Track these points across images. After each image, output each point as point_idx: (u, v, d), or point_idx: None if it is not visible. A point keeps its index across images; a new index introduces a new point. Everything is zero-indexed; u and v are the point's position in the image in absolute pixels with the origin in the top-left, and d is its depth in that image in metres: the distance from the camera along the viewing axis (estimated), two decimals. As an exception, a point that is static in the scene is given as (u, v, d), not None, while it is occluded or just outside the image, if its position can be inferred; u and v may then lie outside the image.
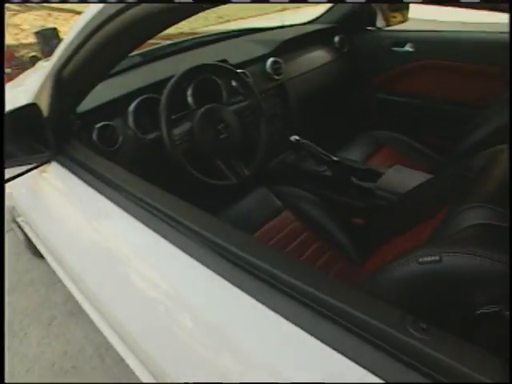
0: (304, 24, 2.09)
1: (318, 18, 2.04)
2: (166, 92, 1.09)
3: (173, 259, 0.64)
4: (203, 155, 1.17)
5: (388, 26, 1.96)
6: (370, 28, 1.95)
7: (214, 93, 1.35)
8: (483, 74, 1.64)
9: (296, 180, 1.52)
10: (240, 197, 1.35)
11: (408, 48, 1.81)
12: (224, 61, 1.40)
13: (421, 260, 0.58)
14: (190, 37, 1.75)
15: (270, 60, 1.57)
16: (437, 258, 0.56)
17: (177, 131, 1.12)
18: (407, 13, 1.92)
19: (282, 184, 1.50)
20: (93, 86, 0.88)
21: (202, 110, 1.15)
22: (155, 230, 0.67)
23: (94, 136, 1.09)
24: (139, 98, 1.18)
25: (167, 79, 1.25)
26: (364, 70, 1.99)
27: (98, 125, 1.10)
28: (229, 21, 8.23)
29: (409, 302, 0.61)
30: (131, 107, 1.17)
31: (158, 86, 1.23)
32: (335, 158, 1.33)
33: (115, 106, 1.16)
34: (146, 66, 1.43)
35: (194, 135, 1.13)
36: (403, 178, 1.29)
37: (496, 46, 1.61)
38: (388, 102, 1.99)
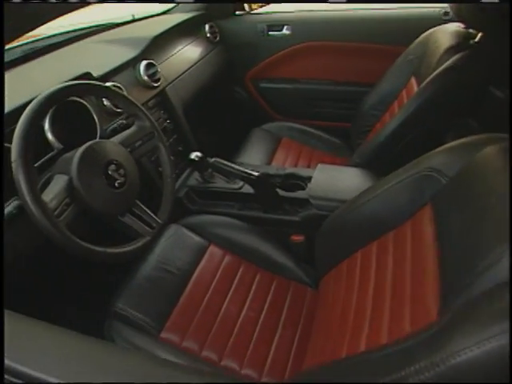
0: (160, 14, 1.78)
1: (175, 7, 1.75)
2: (17, 138, 0.70)
3: None
4: (99, 217, 0.82)
5: (251, 9, 1.80)
6: (239, 13, 1.75)
7: (82, 120, 0.99)
8: (366, 51, 1.60)
9: (208, 205, 1.26)
10: (150, 247, 1.05)
11: (285, 31, 1.67)
12: (87, 74, 1.03)
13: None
14: (20, 42, 1.29)
15: (143, 64, 1.24)
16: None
17: (48, 195, 0.74)
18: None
19: (191, 213, 1.23)
20: None
21: (78, 154, 0.79)
22: None
23: None
24: None
25: (8, 115, 0.85)
26: (242, 60, 1.80)
27: None
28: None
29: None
30: None
31: None
32: (255, 174, 1.11)
33: None
34: None
35: (77, 194, 0.76)
36: (334, 180, 1.16)
37: (373, 23, 1.58)
38: (273, 91, 1.84)
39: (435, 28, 1.29)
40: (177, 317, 0.97)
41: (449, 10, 1.39)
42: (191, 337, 0.95)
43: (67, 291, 1.22)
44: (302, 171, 1.24)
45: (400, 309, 0.68)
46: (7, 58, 1.19)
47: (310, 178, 1.19)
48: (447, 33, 1.19)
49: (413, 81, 1.32)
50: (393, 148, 1.16)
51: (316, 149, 1.67)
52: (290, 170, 1.25)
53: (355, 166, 1.25)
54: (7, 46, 1.18)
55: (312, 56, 1.68)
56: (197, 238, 1.12)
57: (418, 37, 1.35)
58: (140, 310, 0.93)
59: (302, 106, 1.82)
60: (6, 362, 0.42)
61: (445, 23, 1.30)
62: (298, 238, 1.15)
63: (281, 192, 1.17)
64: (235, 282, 1.08)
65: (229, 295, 1.05)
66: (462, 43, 1.11)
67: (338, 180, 1.15)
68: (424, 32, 1.33)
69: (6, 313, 0.50)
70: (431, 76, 1.08)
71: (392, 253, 0.82)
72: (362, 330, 0.74)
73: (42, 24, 0.60)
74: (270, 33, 1.69)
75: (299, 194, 1.16)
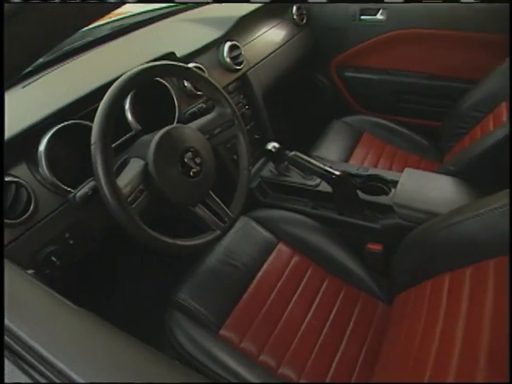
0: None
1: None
2: (99, 117, 0.68)
3: None
4: (169, 206, 0.79)
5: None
6: (330, -7, 1.63)
7: (162, 101, 0.96)
8: (474, 42, 1.41)
9: (280, 199, 1.20)
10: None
11: (380, 16, 1.52)
12: (171, 54, 1.00)
13: None
14: (110, 19, 1.30)
15: (227, 45, 1.19)
16: None
17: (123, 180, 0.72)
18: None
19: (262, 206, 1.18)
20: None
21: (155, 139, 0.75)
22: None
23: None
24: (54, 129, 0.77)
25: (91, 94, 0.84)
26: (328, 45, 1.68)
27: None
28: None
29: None
30: (42, 145, 0.75)
31: (78, 105, 0.82)
32: (337, 173, 1.02)
33: (16, 146, 0.73)
34: (52, 70, 1.00)
35: (151, 181, 0.74)
36: (423, 188, 1.03)
37: (486, 9, 1.38)
38: (359, 81, 1.71)
39: None
40: (238, 315, 0.93)
41: None
42: (250, 338, 0.91)
43: (132, 274, 1.24)
44: (387, 174, 1.13)
45: (502, 357, 0.57)
46: (97, 34, 1.20)
47: (395, 183, 1.07)
48: None
49: (530, 81, 1.13)
50: (498, 160, 1.00)
51: (400, 148, 1.53)
52: (372, 170, 1.15)
53: (447, 173, 1.11)
54: (96, 23, 1.20)
55: (407, 45, 1.52)
56: (266, 234, 1.07)
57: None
58: (202, 304, 0.91)
59: (388, 100, 1.67)
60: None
61: None
62: (374, 248, 1.05)
63: (361, 195, 1.07)
64: (302, 285, 1.02)
65: (293, 299, 0.99)
66: None
67: (428, 189, 1.02)
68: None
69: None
70: None
71: (492, 285, 0.70)
72: (448, 373, 0.64)
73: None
74: (363, 17, 1.55)
75: (382, 199, 1.06)
